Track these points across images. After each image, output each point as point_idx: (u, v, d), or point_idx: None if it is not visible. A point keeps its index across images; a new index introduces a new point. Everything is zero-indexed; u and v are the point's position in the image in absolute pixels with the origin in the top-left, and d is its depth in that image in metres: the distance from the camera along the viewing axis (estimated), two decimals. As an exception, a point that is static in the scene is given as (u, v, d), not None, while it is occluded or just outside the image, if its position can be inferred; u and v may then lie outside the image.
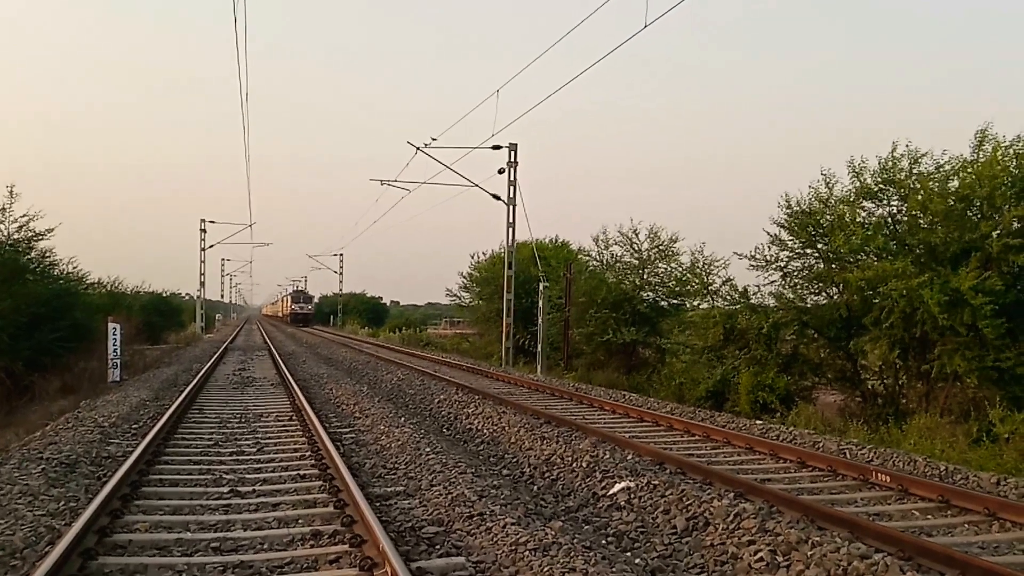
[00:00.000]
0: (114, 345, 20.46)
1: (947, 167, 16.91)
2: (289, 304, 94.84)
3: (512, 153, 28.42)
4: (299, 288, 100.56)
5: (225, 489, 8.29)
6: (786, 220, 18.88)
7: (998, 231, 15.21)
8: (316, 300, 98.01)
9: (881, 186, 17.59)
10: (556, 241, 40.18)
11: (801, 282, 19.26)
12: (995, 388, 14.79)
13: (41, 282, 23.09)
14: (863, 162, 17.80)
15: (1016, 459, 11.01)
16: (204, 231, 54.20)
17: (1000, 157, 15.77)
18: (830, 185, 18.40)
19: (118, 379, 20.20)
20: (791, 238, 18.87)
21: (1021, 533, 7.12)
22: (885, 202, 17.76)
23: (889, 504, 8.23)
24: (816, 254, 18.76)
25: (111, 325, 20.65)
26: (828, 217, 18.11)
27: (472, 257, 42.52)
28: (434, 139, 27.51)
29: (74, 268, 26.43)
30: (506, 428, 12.49)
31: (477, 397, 16.60)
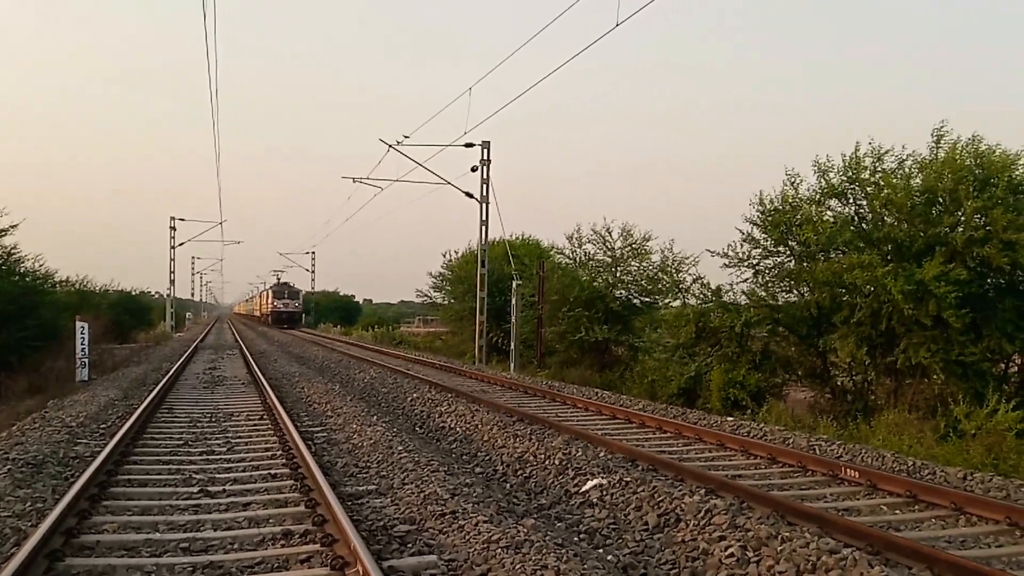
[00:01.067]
0: (82, 344, 20.21)
1: (909, 162, 17.20)
2: (270, 300, 75.64)
3: (485, 151, 28.40)
4: (282, 280, 79.47)
5: (195, 489, 8.22)
6: (758, 218, 19.04)
7: (961, 225, 15.46)
8: (303, 296, 77.71)
9: (846, 184, 17.81)
10: (529, 239, 40.19)
11: (773, 280, 19.42)
12: (960, 383, 15.01)
13: (6, 280, 22.77)
14: (828, 161, 18.02)
15: (982, 454, 11.17)
16: (174, 229, 53.77)
17: (958, 155, 16.06)
18: (795, 185, 18.62)
19: (86, 378, 19.96)
20: (763, 236, 19.03)
21: (987, 527, 7.22)
22: (851, 200, 17.99)
23: (858, 499, 8.32)
24: (787, 252, 18.93)
25: (79, 324, 20.39)
26: (798, 216, 18.27)
27: (444, 256, 42.44)
28: (406, 136, 27.42)
29: (40, 266, 26.17)
30: (479, 426, 12.49)
31: (450, 395, 16.57)
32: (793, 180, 18.62)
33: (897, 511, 7.88)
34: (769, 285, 19.50)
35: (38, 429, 11.56)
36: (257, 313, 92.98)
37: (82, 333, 20.24)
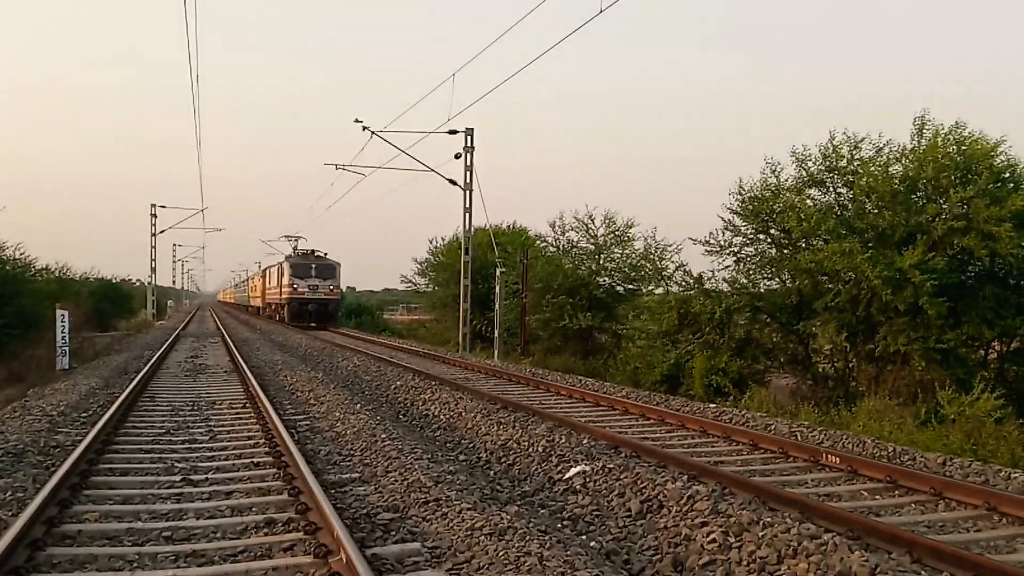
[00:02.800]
0: (62, 332, 20.06)
1: (886, 150, 17.30)
2: (285, 281, 44.89)
3: (468, 138, 28.32)
4: (304, 250, 47.32)
5: (177, 478, 8.18)
6: (739, 206, 19.10)
7: (943, 214, 15.56)
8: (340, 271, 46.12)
9: (824, 173, 17.90)
10: (513, 227, 40.20)
11: (754, 267, 19.52)
12: (940, 369, 15.15)
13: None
14: (805, 151, 18.10)
15: (962, 440, 11.28)
16: (155, 216, 53.52)
17: (941, 143, 16.16)
18: (776, 173, 18.69)
19: (67, 367, 19.82)
20: (744, 224, 19.10)
21: (965, 512, 7.29)
22: (831, 189, 18.09)
23: (839, 485, 8.38)
24: (768, 240, 19.01)
25: (59, 312, 20.23)
26: (779, 203, 18.35)
27: (431, 242, 42.33)
28: (388, 125, 27.23)
29: (21, 254, 26.02)
30: (463, 414, 12.49)
31: (434, 383, 16.56)
32: (773, 169, 18.72)
33: (877, 496, 7.95)
34: (750, 272, 19.60)
35: (18, 418, 11.48)
36: (256, 302, 62.33)
37: (62, 321, 20.08)
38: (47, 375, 18.72)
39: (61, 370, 19.48)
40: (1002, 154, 16.07)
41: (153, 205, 53.44)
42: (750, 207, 18.82)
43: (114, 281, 52.46)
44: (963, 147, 16.11)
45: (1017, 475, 8.51)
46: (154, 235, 53.68)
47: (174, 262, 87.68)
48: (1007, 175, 16.08)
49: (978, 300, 15.32)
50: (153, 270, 55.07)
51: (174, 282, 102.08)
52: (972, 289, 15.63)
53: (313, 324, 42.56)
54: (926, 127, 16.74)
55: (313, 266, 44.07)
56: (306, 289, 43.46)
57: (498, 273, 27.48)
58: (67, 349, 20.23)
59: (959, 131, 16.40)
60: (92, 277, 45.06)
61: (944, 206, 15.69)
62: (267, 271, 55.52)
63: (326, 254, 45.50)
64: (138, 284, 75.27)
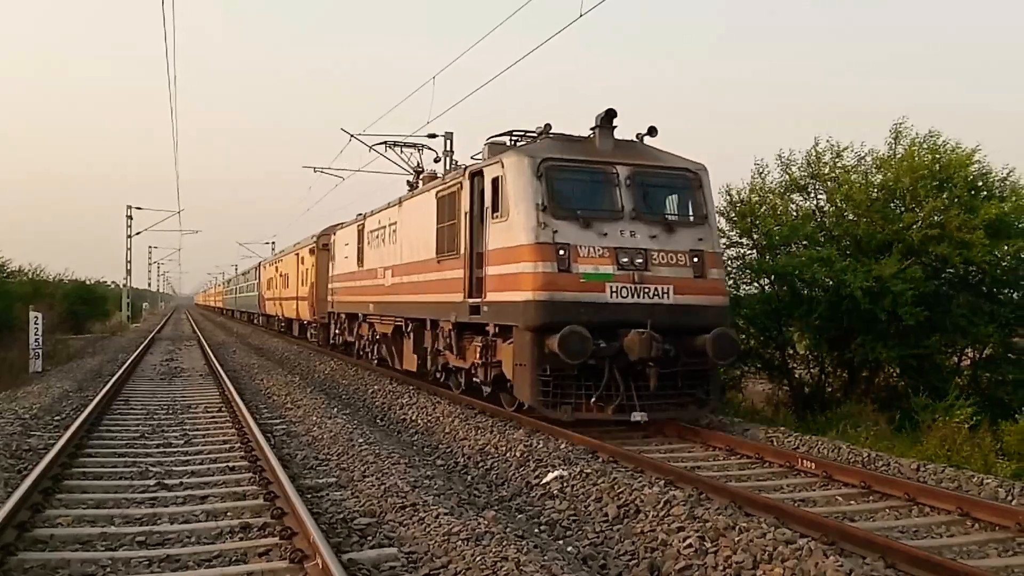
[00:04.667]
0: (35, 335, 19.85)
1: (868, 159, 17.44)
2: (531, 236, 10.23)
3: (448, 142, 28.24)
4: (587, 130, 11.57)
5: (151, 482, 8.12)
6: (725, 208, 19.13)
7: (919, 223, 15.71)
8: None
9: (807, 179, 18.02)
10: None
11: (734, 272, 19.58)
12: (916, 377, 15.27)
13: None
14: (790, 155, 18.21)
15: (936, 446, 11.37)
16: (131, 218, 53.02)
17: (916, 151, 16.32)
18: (763, 175, 18.79)
19: (40, 370, 19.61)
20: (729, 227, 19.14)
21: (939, 517, 7.36)
22: (812, 195, 18.21)
23: (814, 490, 8.43)
24: (751, 243, 19.08)
25: (32, 314, 20.03)
26: (763, 208, 18.43)
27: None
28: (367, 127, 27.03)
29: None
30: (440, 418, 12.46)
31: (412, 387, 16.49)
32: (760, 171, 18.81)
33: (852, 502, 8.01)
34: (731, 276, 19.65)
35: (-10, 421, 11.34)
36: (290, 311, 32.56)
37: (36, 323, 19.88)
38: (20, 378, 18.49)
39: (34, 373, 19.27)
40: (977, 163, 16.24)
41: (129, 207, 53.00)
42: (736, 210, 18.86)
43: (88, 283, 51.98)
44: (938, 156, 16.27)
45: (989, 481, 8.57)
46: (130, 237, 53.20)
47: (149, 264, 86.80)
48: (980, 184, 16.25)
49: (952, 308, 15.46)
50: (128, 272, 54.60)
51: (149, 284, 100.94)
52: (946, 297, 15.77)
53: (642, 418, 10.78)
54: (902, 135, 16.90)
55: (629, 182, 11.04)
56: (611, 266, 10.54)
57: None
58: (40, 351, 20.02)
59: (933, 139, 16.58)
60: (66, 279, 44.64)
61: (920, 215, 15.84)
62: (346, 230, 22.56)
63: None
64: (113, 286, 74.37)
